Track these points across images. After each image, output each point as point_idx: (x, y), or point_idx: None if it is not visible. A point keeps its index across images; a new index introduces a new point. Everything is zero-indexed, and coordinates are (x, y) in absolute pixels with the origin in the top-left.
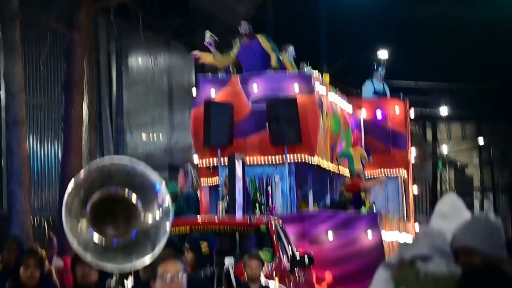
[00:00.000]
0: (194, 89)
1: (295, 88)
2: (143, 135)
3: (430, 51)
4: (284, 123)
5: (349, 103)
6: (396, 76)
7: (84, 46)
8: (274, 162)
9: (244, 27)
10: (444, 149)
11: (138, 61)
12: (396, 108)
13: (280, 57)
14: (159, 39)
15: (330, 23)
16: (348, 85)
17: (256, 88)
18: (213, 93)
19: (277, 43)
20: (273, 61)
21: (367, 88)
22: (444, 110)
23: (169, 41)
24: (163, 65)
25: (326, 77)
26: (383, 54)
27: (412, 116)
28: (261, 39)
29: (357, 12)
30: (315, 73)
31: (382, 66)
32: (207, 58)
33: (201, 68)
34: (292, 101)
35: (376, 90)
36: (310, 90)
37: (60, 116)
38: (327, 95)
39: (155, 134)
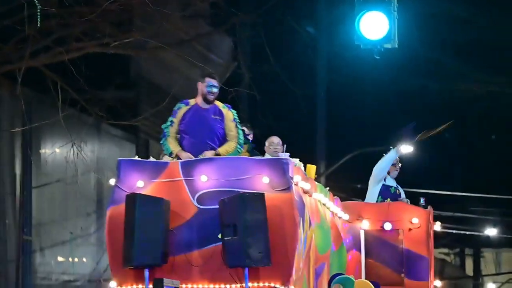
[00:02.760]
0: (112, 180)
1: (264, 181)
2: (60, 257)
3: (471, 148)
4: (246, 233)
5: (344, 210)
6: (420, 182)
7: None
8: None
9: (209, 83)
10: (491, 287)
11: (55, 151)
12: (414, 220)
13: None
14: (86, 120)
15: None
16: (348, 189)
17: (205, 179)
18: (141, 185)
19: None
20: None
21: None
22: (491, 232)
23: (99, 123)
24: (90, 157)
25: (311, 169)
26: (406, 149)
27: (437, 229)
28: (226, 112)
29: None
30: (295, 161)
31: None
32: None
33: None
34: (258, 199)
35: (385, 190)
36: (286, 185)
37: None
38: (311, 194)
39: (76, 257)
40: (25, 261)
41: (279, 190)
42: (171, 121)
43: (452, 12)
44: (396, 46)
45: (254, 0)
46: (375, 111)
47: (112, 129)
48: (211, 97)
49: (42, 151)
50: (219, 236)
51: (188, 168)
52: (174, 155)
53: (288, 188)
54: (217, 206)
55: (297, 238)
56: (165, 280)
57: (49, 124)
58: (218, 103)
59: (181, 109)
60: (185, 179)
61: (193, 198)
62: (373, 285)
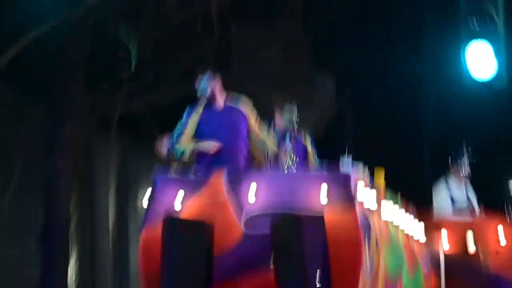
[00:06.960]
0: (144, 200)
1: (322, 199)
2: None
3: None
4: (302, 260)
5: (422, 223)
6: None
7: (71, 178)
8: None
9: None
10: None
11: None
12: (501, 236)
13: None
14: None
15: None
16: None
17: (254, 196)
18: (178, 204)
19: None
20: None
21: (440, 197)
22: None
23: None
24: None
25: (380, 175)
26: None
27: None
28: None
29: None
30: (359, 167)
31: (469, 155)
32: None
33: None
34: (316, 220)
35: (455, 199)
36: (349, 200)
37: (37, 279)
38: (380, 207)
39: None
40: None
41: (340, 207)
42: None
43: None
44: (506, 86)
45: (356, 38)
46: (484, 149)
47: None
48: None
49: (139, 201)
50: (271, 263)
51: (233, 185)
52: None
53: (351, 207)
54: (268, 230)
55: (361, 264)
56: None
57: (148, 171)
58: None
59: None
60: (230, 195)
61: (240, 221)
62: None
